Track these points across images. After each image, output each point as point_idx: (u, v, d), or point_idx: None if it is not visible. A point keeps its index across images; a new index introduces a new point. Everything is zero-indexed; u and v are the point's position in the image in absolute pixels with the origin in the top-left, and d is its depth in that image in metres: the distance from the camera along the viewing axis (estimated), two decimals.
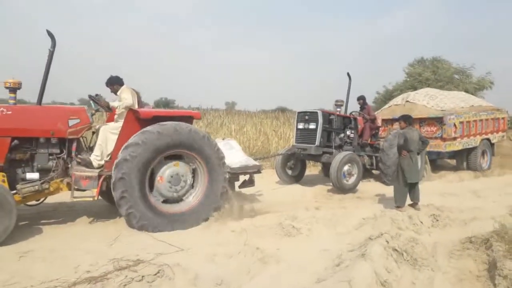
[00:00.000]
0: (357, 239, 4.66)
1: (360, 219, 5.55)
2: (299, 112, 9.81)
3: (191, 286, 3.35)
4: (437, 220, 5.65)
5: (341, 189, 8.27)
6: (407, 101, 12.29)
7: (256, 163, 7.04)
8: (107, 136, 5.70)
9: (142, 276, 3.27)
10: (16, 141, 5.13)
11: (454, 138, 10.67)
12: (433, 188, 8.22)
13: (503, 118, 12.61)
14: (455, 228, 5.45)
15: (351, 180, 8.53)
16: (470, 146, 11.21)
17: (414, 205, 6.37)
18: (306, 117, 9.33)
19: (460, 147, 10.94)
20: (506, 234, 4.37)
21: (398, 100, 12.98)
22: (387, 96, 24.26)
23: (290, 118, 16.13)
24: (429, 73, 21.49)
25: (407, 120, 6.53)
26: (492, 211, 6.16)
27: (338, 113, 9.77)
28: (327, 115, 9.38)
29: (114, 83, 6.04)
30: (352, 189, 8.46)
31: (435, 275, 3.98)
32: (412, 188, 6.39)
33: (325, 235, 4.97)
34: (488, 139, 11.88)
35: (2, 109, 5.06)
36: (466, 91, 19.03)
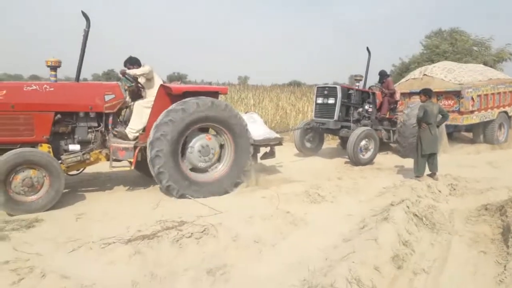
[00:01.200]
0: (379, 206, 5.03)
1: (381, 188, 5.91)
2: (318, 87, 10.04)
3: (233, 242, 3.77)
4: (454, 189, 5.98)
5: (357, 163, 8.59)
6: (424, 74, 12.37)
7: (278, 135, 7.38)
8: (142, 110, 6.07)
9: (191, 233, 3.71)
10: (59, 116, 5.53)
11: (472, 112, 10.82)
12: (451, 159, 8.49)
13: None
14: (471, 197, 5.76)
15: (368, 154, 8.84)
16: (488, 119, 11.36)
17: (432, 175, 6.69)
18: (325, 92, 9.56)
19: (477, 121, 11.09)
20: None
21: (415, 73, 13.05)
22: (403, 69, 24.09)
23: (307, 92, 16.35)
24: (447, 45, 21.25)
25: (427, 93, 6.77)
26: (507, 181, 6.43)
27: (357, 87, 9.97)
28: (346, 90, 9.59)
29: (134, 63, 6.33)
30: (368, 163, 8.76)
31: (452, 238, 4.33)
32: (430, 159, 6.69)
33: (348, 202, 5.35)
34: (506, 112, 11.97)
35: (45, 86, 5.43)
36: (485, 63, 18.86)
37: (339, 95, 9.25)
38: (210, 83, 21.19)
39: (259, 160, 7.07)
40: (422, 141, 6.63)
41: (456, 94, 10.85)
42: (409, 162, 8.25)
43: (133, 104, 6.29)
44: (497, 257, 3.84)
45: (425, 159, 6.66)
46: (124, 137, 5.90)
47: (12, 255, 3.44)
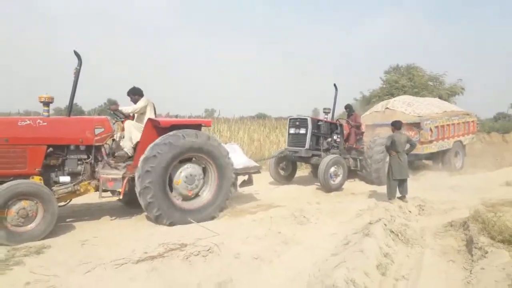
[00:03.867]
0: (359, 225, 5.62)
1: (358, 210, 6.55)
2: (290, 118, 10.82)
3: (235, 260, 4.20)
4: (423, 210, 6.74)
5: (328, 188, 9.26)
6: (386, 108, 13.48)
7: (256, 164, 7.96)
8: (131, 129, 6.49)
9: (199, 251, 4.12)
10: (50, 149, 5.82)
11: (431, 141, 11.92)
12: (416, 184, 9.30)
13: (472, 121, 14.00)
14: (437, 216, 6.51)
15: (337, 180, 9.56)
16: (445, 148, 12.47)
17: (402, 198, 7.42)
18: (297, 123, 10.35)
19: (436, 149, 12.20)
20: (480, 218, 5.41)
21: (378, 107, 14.16)
22: (364, 102, 25.50)
23: (277, 124, 17.19)
24: (405, 80, 22.95)
25: (395, 125, 7.61)
26: (467, 202, 7.26)
27: (325, 119, 10.80)
28: (315, 121, 10.42)
29: (136, 93, 6.84)
30: (337, 188, 9.47)
31: (424, 251, 4.98)
32: (401, 183, 7.44)
33: (330, 223, 5.91)
34: (460, 141, 13.19)
35: (38, 120, 5.76)
36: (440, 97, 20.51)
37: (310, 125, 10.04)
38: (176, 116, 21.53)
39: (238, 188, 7.55)
40: (392, 168, 7.39)
41: (416, 126, 11.91)
42: (378, 188, 9.01)
43: (120, 133, 6.65)
44: (464, 264, 4.50)
45: (396, 183, 7.40)
46: (123, 157, 6.29)
47: (31, 277, 3.71)
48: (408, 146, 7.57)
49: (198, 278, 3.73)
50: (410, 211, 6.58)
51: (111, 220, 6.29)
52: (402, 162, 7.36)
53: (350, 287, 3.30)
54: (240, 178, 7.48)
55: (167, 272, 3.77)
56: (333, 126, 10.91)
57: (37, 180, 5.51)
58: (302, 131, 10.15)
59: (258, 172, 7.80)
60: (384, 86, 24.73)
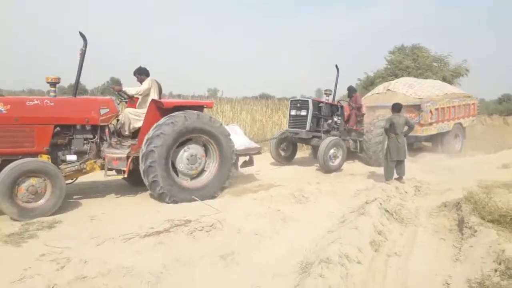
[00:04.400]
0: (355, 204, 5.88)
1: (355, 190, 6.81)
2: (292, 100, 11.00)
3: (237, 235, 4.46)
4: (419, 191, 6.98)
5: (327, 169, 9.49)
6: (388, 89, 13.59)
7: (257, 145, 8.18)
8: (129, 117, 6.71)
9: (202, 227, 4.39)
10: (57, 128, 6.04)
11: (430, 123, 12.08)
12: (414, 166, 9.52)
13: (473, 104, 14.11)
14: (433, 196, 6.76)
15: (336, 161, 9.78)
16: (444, 130, 12.64)
17: (399, 179, 7.65)
18: (298, 105, 10.52)
19: (435, 132, 12.37)
20: (472, 198, 5.64)
21: (380, 88, 14.27)
22: (368, 83, 25.55)
23: (280, 106, 17.33)
24: (409, 61, 22.93)
25: (394, 107, 7.78)
26: (463, 184, 7.45)
27: (326, 101, 10.95)
28: (316, 103, 10.59)
29: (142, 73, 7.01)
30: (337, 169, 9.70)
31: (418, 229, 5.24)
32: (398, 165, 7.67)
33: (328, 202, 6.17)
34: (460, 124, 13.35)
35: (46, 100, 5.95)
36: (444, 78, 20.55)
37: (311, 107, 10.21)
38: (179, 96, 21.74)
39: (239, 169, 7.78)
40: (390, 149, 7.61)
41: (417, 108, 12.05)
42: (377, 169, 9.24)
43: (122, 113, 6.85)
44: (454, 242, 4.77)
45: (393, 164, 7.63)
46: (119, 146, 6.49)
47: (45, 250, 3.98)
48: (406, 128, 7.76)
49: (202, 251, 4.00)
50: (406, 192, 6.82)
51: (117, 197, 6.58)
52: (400, 143, 7.57)
53: (344, 261, 3.57)
54: (241, 159, 7.69)
55: (173, 246, 4.03)
56: (334, 108, 11.07)
57: (45, 158, 5.74)
58: (303, 112, 10.31)
59: (259, 153, 8.02)
60: (389, 66, 24.72)
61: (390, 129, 7.67)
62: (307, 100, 10.43)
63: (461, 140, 13.43)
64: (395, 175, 7.73)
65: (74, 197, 6.33)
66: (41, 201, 5.37)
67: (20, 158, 5.42)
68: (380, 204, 5.48)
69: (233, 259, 3.98)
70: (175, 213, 5.24)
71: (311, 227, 5.05)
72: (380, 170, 8.60)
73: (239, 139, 7.76)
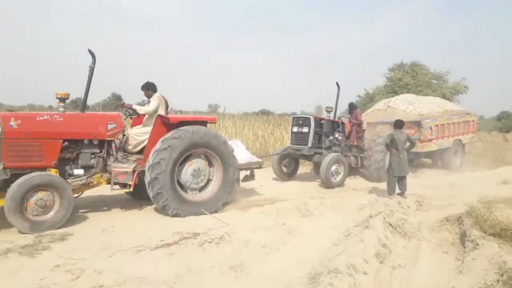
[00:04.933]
0: (359, 218, 6.03)
1: (359, 204, 6.95)
2: (293, 117, 11.21)
3: (244, 247, 4.60)
4: (421, 205, 7.14)
5: (329, 185, 9.63)
6: (388, 106, 13.82)
7: (259, 159, 8.35)
8: (134, 137, 6.87)
9: (212, 239, 4.53)
10: (66, 143, 6.18)
11: (430, 140, 12.25)
12: (415, 182, 9.68)
13: (472, 121, 14.32)
14: (435, 211, 6.91)
15: (338, 178, 9.93)
16: (444, 147, 12.82)
17: (401, 194, 7.81)
18: (300, 122, 10.71)
19: (435, 148, 12.55)
20: (474, 213, 5.80)
21: (380, 105, 14.52)
22: (368, 100, 25.86)
23: (281, 121, 17.59)
24: (409, 78, 23.30)
25: (396, 124, 8.00)
26: (464, 199, 7.62)
27: (328, 118, 11.15)
28: (318, 120, 10.78)
29: (150, 88, 7.19)
30: (339, 185, 9.83)
31: (421, 243, 5.37)
32: (400, 180, 7.83)
33: (332, 216, 6.32)
34: (460, 140, 13.54)
35: (55, 116, 6.11)
36: (443, 95, 20.86)
37: (313, 124, 10.41)
38: (180, 111, 22.02)
39: (240, 183, 7.87)
40: (392, 165, 7.78)
41: (417, 124, 12.24)
42: (380, 184, 9.39)
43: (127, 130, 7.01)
44: (456, 255, 4.89)
45: (395, 179, 7.80)
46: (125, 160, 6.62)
47: (59, 261, 4.11)
48: (408, 144, 7.95)
49: (213, 262, 4.14)
50: (408, 206, 6.97)
51: (125, 211, 6.70)
52: (401, 159, 7.75)
53: (351, 271, 3.70)
54: (243, 174, 7.83)
55: (184, 257, 4.17)
56: (335, 125, 11.26)
57: (53, 172, 5.86)
58: (305, 129, 10.49)
59: (260, 167, 8.18)
60: (388, 83, 25.07)
61: (391, 145, 7.86)
62: (309, 118, 10.64)
63: (460, 156, 13.60)
64: (397, 190, 7.88)
65: (82, 210, 6.47)
66: (51, 213, 5.49)
67: (29, 172, 5.55)
68: (384, 218, 5.64)
69: (242, 270, 4.11)
70: (183, 226, 5.38)
71: (317, 239, 5.18)
72: (382, 186, 8.76)
73: (241, 153, 7.89)
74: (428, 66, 24.75)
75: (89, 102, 25.83)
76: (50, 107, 6.54)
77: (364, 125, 11.72)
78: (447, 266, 4.59)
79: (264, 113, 27.95)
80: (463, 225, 5.58)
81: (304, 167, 13.19)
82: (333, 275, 3.53)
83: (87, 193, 6.71)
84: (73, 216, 5.74)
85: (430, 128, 12.21)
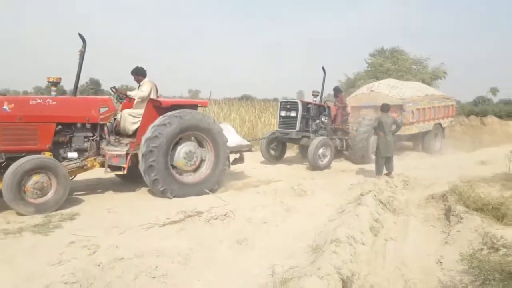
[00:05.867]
0: (351, 196, 6.43)
1: (349, 184, 7.36)
2: (281, 101, 11.48)
3: (247, 223, 4.93)
4: (407, 184, 7.59)
5: (316, 168, 9.95)
6: (371, 90, 14.17)
7: (248, 143, 8.58)
8: (127, 118, 6.95)
9: (217, 216, 4.82)
10: (59, 126, 6.25)
11: (412, 123, 12.73)
12: (400, 163, 10.13)
13: (451, 105, 14.90)
14: (420, 190, 7.37)
15: (325, 160, 10.25)
16: (425, 130, 13.36)
17: (389, 174, 8.25)
18: (288, 106, 10.98)
19: (416, 131, 13.06)
20: (457, 190, 6.23)
21: (363, 89, 14.90)
22: (349, 85, 26.29)
23: (267, 106, 17.87)
24: (390, 64, 23.81)
25: (383, 108, 8.40)
26: (447, 178, 8.09)
27: (314, 102, 11.47)
28: (305, 104, 11.07)
29: (139, 73, 7.27)
30: (326, 167, 10.16)
31: (409, 218, 5.79)
32: (387, 161, 8.25)
33: (325, 195, 6.69)
34: (440, 124, 14.08)
35: (48, 99, 6.12)
36: (423, 80, 21.43)
37: (300, 108, 10.69)
38: (160, 95, 21.88)
39: (231, 166, 8.06)
40: (379, 146, 8.19)
41: (399, 108, 12.65)
42: (366, 166, 9.82)
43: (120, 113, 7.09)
44: (442, 228, 5.33)
45: (383, 161, 8.22)
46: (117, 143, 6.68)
47: (73, 238, 4.32)
48: (394, 127, 8.35)
49: (220, 237, 4.45)
50: (396, 186, 7.40)
51: (124, 192, 6.86)
52: (388, 141, 8.16)
53: (351, 241, 4.06)
54: (232, 157, 8.02)
55: (194, 232, 4.47)
56: (321, 109, 11.55)
57: (48, 155, 5.90)
58: (293, 113, 10.76)
59: (250, 150, 8.42)
60: (369, 69, 25.54)
61: (378, 127, 8.25)
62: (297, 102, 10.91)
63: (440, 139, 14.11)
64: (385, 171, 8.30)
65: (82, 192, 6.63)
66: (50, 193, 5.55)
67: (24, 156, 5.59)
68: (375, 195, 6.03)
69: (248, 244, 4.43)
70: (185, 205, 5.64)
71: (313, 216, 5.55)
72: (369, 167, 9.19)
73: (232, 137, 8.02)
74: (408, 52, 25.36)
75: (66, 87, 25.40)
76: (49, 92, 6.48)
77: (348, 109, 12.06)
78: (435, 238, 5.01)
79: (247, 98, 28.06)
80: (448, 201, 6.01)
81: (291, 151, 13.51)
82: (335, 244, 3.87)
83: (85, 176, 6.86)
84: (76, 198, 5.93)
85: (412, 111, 12.67)
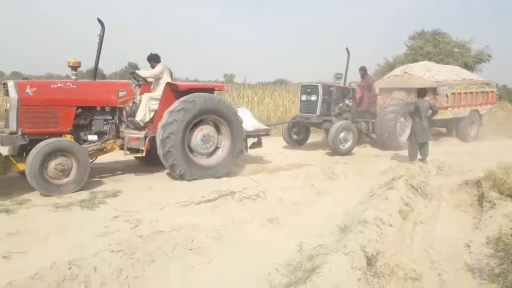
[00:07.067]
0: (383, 181, 6.50)
1: (381, 169, 7.43)
2: (302, 85, 11.43)
3: (278, 203, 5.17)
4: (441, 170, 7.56)
5: (337, 153, 9.84)
6: (405, 72, 13.71)
7: (266, 127, 8.65)
8: (148, 101, 7.06)
9: (249, 195, 5.08)
10: (80, 110, 6.49)
11: (446, 108, 12.29)
12: (436, 149, 10.03)
13: (492, 92, 14.15)
14: (454, 176, 7.33)
15: (347, 145, 10.08)
16: (460, 116, 12.82)
17: (423, 159, 8.22)
18: (308, 90, 10.93)
19: (451, 116, 12.54)
20: (492, 176, 6.17)
21: (397, 71, 14.46)
22: (388, 68, 25.64)
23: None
24: (431, 47, 23.07)
25: (420, 92, 8.35)
26: (483, 164, 7.96)
27: (337, 84, 11.23)
28: (326, 87, 10.89)
29: (152, 60, 7.40)
30: (348, 153, 10.03)
31: (440, 203, 5.83)
32: (422, 146, 8.22)
33: (357, 179, 6.83)
34: (477, 110, 13.42)
35: (68, 83, 6.37)
36: (465, 64, 20.67)
37: (321, 92, 10.61)
38: (196, 80, 22.20)
39: (249, 150, 8.06)
40: (415, 131, 8.17)
41: (433, 91, 12.20)
42: (400, 152, 9.80)
43: (140, 97, 7.27)
44: (474, 214, 5.36)
45: (417, 146, 8.19)
46: (137, 124, 6.86)
47: (117, 213, 4.71)
48: (430, 112, 8.28)
49: (252, 215, 4.71)
50: (429, 171, 7.39)
51: (161, 172, 7.25)
52: (424, 126, 8.11)
53: (378, 223, 4.20)
54: (250, 141, 8.10)
55: (227, 210, 4.76)
56: (345, 91, 11.31)
57: (68, 138, 6.14)
58: (313, 97, 10.70)
59: (268, 134, 8.49)
60: (409, 52, 24.85)
61: (415, 112, 8.20)
62: (317, 85, 10.77)
63: (476, 127, 13.46)
64: (419, 156, 8.28)
65: (121, 172, 7.09)
66: (72, 174, 5.82)
67: (46, 138, 5.79)
68: (406, 180, 6.09)
69: (278, 222, 4.66)
70: (219, 185, 5.94)
71: (343, 199, 5.71)
72: (403, 153, 9.17)
73: (249, 121, 8.09)
74: (450, 34, 24.40)
75: (107, 72, 26.31)
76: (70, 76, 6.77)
77: (377, 90, 11.74)
78: (465, 223, 5.06)
79: (281, 82, 28.00)
80: (482, 187, 5.99)
81: (319, 135, 13.39)
82: (362, 224, 4.03)
83: (118, 158, 7.23)
84: (117, 177, 6.35)
85: (446, 95, 12.15)
